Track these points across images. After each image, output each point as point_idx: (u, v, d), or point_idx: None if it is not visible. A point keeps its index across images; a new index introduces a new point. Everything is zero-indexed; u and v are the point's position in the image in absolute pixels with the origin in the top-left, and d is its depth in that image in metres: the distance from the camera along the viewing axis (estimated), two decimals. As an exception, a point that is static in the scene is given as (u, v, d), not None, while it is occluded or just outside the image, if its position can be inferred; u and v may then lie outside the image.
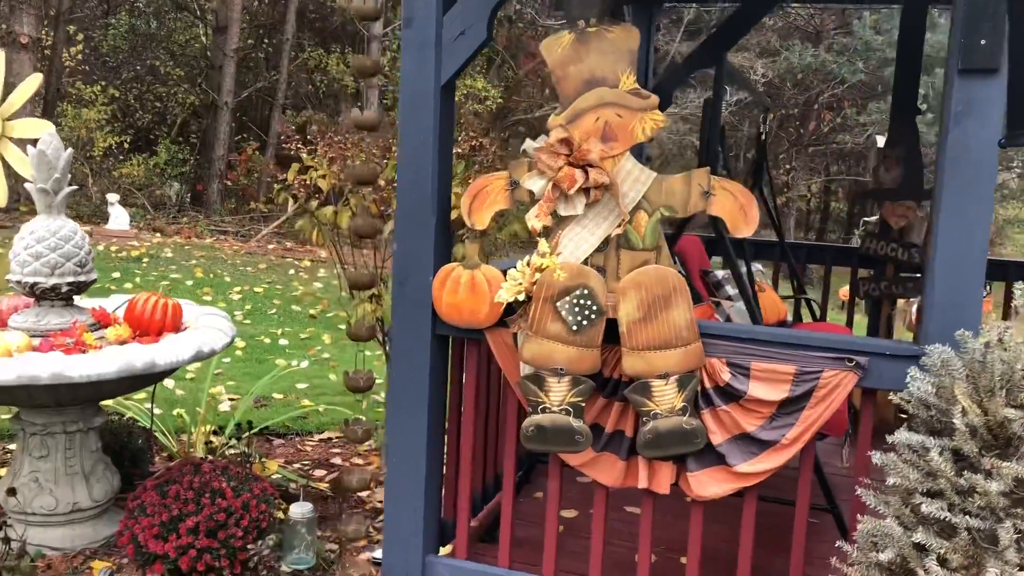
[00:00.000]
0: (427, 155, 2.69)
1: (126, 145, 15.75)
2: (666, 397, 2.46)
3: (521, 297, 2.51)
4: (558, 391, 2.52)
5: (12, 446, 4.60)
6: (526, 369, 2.55)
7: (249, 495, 3.36)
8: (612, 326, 2.49)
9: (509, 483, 2.80)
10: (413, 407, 2.76)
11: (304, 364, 6.69)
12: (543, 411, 2.53)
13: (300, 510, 3.29)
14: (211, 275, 9.88)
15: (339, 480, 2.55)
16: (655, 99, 2.56)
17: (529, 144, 2.62)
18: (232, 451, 4.54)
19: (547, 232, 2.60)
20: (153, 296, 3.64)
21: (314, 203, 4.43)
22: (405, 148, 2.71)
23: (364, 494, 4.28)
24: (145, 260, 10.19)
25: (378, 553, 3.56)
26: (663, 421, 2.46)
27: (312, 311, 8.66)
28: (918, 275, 4.97)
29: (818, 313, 5.15)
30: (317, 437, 5.21)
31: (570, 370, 2.49)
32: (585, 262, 2.55)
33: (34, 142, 4.02)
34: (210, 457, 4.13)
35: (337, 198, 4.43)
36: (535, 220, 2.59)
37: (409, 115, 2.70)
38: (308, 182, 4.42)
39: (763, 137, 4.63)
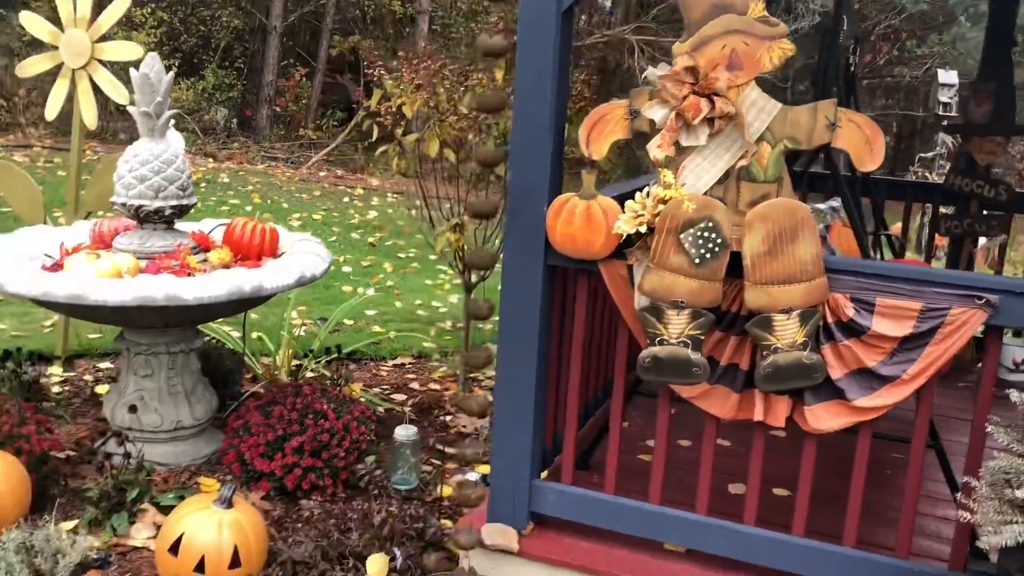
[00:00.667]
0: (545, 83, 2.66)
1: (174, 69, 15.69)
2: (787, 332, 2.46)
3: (643, 229, 2.50)
4: (677, 323, 2.52)
5: (103, 364, 4.72)
6: (643, 301, 2.55)
7: (349, 417, 3.44)
8: (734, 259, 2.48)
9: (617, 412, 2.83)
10: (523, 335, 2.78)
11: (370, 291, 6.76)
12: (660, 343, 2.55)
13: (405, 432, 3.36)
14: (268, 201, 9.94)
15: (461, 403, 2.59)
16: (783, 28, 2.50)
17: (652, 72, 2.58)
18: (311, 374, 4.63)
19: (668, 163, 2.58)
20: (251, 221, 3.67)
21: (399, 131, 4.41)
22: (523, 76, 2.68)
23: (448, 418, 4.36)
24: (203, 185, 10.26)
25: (471, 475, 3.64)
26: (783, 355, 2.46)
27: (371, 239, 8.71)
28: (1003, 213, 4.88)
29: (897, 249, 5.08)
30: (391, 362, 5.29)
31: (690, 303, 2.49)
32: (705, 194, 2.53)
33: (125, 65, 4.04)
34: (293, 380, 4.21)
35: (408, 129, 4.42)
36: (657, 150, 2.56)
37: (528, 41, 2.66)
38: (392, 109, 4.39)
39: (851, 69, 4.51)
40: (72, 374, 4.53)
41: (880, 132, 2.48)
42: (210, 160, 12.48)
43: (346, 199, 10.91)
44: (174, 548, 2.58)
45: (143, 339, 3.46)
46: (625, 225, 2.55)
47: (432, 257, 8.10)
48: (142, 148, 3.43)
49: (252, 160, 13.22)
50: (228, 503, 2.67)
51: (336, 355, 4.76)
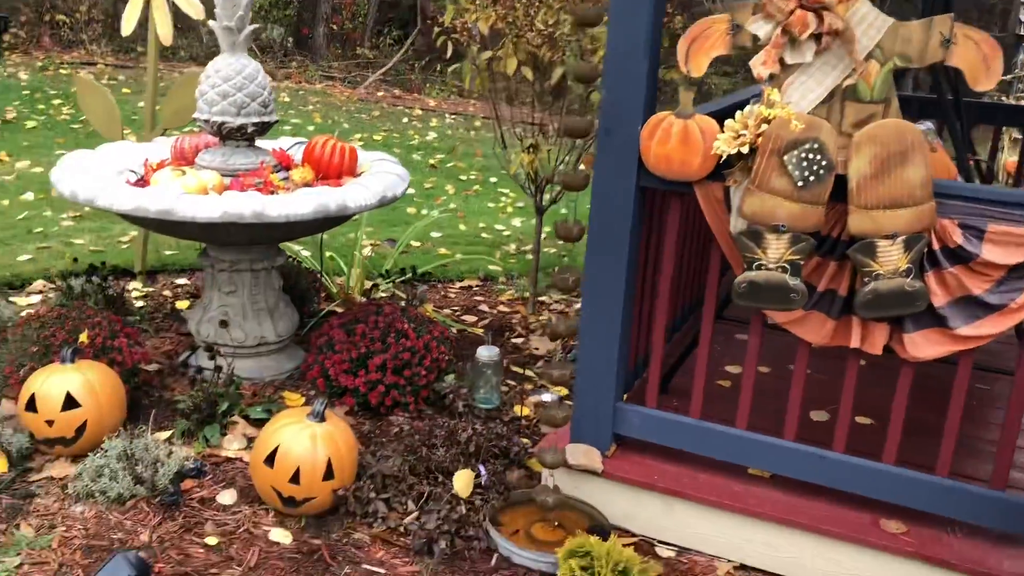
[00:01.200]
0: (642, -3, 2.56)
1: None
2: (891, 258, 2.39)
3: (744, 150, 2.43)
4: (776, 248, 2.47)
5: (180, 280, 4.79)
6: (741, 225, 2.50)
7: (428, 336, 3.46)
8: (838, 182, 2.41)
9: (706, 337, 2.81)
10: (613, 258, 2.75)
11: (434, 213, 6.75)
12: (758, 268, 2.50)
13: (488, 353, 3.38)
14: (328, 121, 9.92)
15: (552, 330, 2.58)
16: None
17: (757, -15, 2.47)
18: (383, 295, 4.66)
19: (771, 80, 2.49)
20: (330, 139, 3.65)
21: (474, 48, 4.32)
22: (619, -11, 2.59)
23: (519, 341, 4.38)
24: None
25: (546, 396, 3.66)
26: (885, 282, 2.40)
27: (432, 161, 8.66)
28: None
29: (986, 174, 4.91)
30: (458, 284, 5.29)
31: (792, 227, 2.43)
32: (809, 114, 2.44)
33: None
34: (368, 299, 4.24)
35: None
36: (761, 67, 2.47)
37: (625, -47, 2.56)
38: (468, 24, 4.30)
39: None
40: (151, 289, 4.62)
41: (999, 50, 2.36)
42: (269, 79, 12.48)
43: (405, 120, 10.84)
44: (269, 459, 2.63)
45: (227, 256, 3.50)
46: (724, 145, 2.48)
47: (493, 180, 8.05)
48: (224, 64, 3.41)
49: (310, 79, 13.17)
50: (321, 417, 2.71)
51: (411, 275, 4.77)
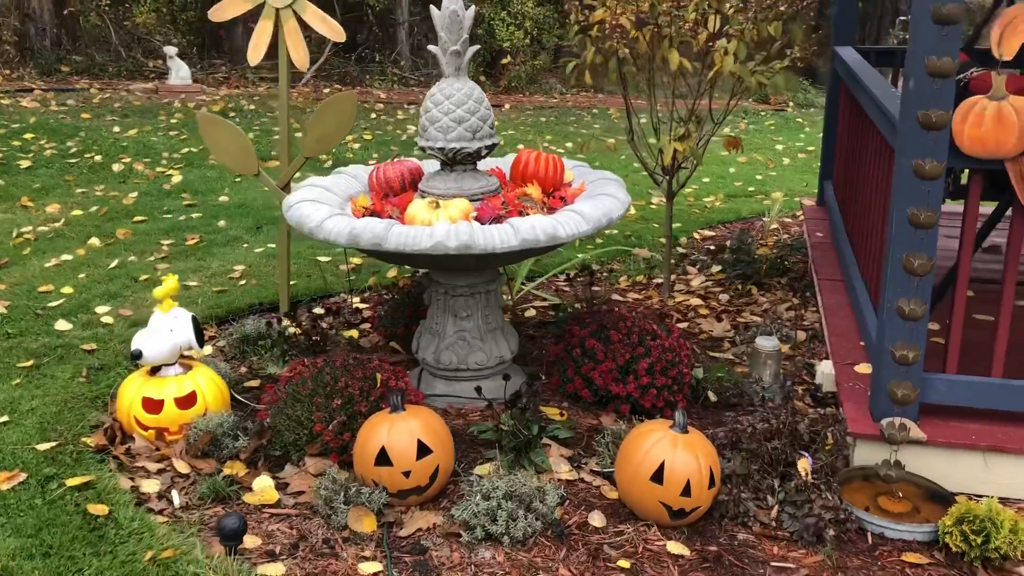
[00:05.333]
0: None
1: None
2: None
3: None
4: (1111, 212, 2.68)
5: (317, 310, 4.66)
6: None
7: (677, 334, 3.55)
8: None
9: (1008, 303, 3.00)
10: (924, 243, 2.90)
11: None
12: (1091, 231, 2.71)
13: (769, 343, 3.49)
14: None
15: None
16: None
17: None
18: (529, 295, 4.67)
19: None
20: (540, 153, 3.65)
21: (614, 43, 4.33)
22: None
23: (684, 325, 4.49)
24: (233, 115, 9.87)
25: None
26: None
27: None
28: None
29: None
30: (562, 278, 5.33)
31: None
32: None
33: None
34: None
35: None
36: (1085, 49, 2.66)
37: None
38: (612, 23, 4.30)
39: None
40: (301, 322, 4.48)
41: None
42: (222, 87, 11.94)
43: (373, 116, 10.64)
44: (656, 477, 2.68)
45: (462, 281, 3.47)
46: (1049, 123, 2.66)
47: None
48: (453, 88, 3.34)
49: (253, 83, 12.70)
50: (684, 428, 2.77)
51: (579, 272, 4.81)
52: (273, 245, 5.56)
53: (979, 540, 2.64)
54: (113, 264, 5.07)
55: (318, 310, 4.66)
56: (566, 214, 3.18)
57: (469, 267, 3.32)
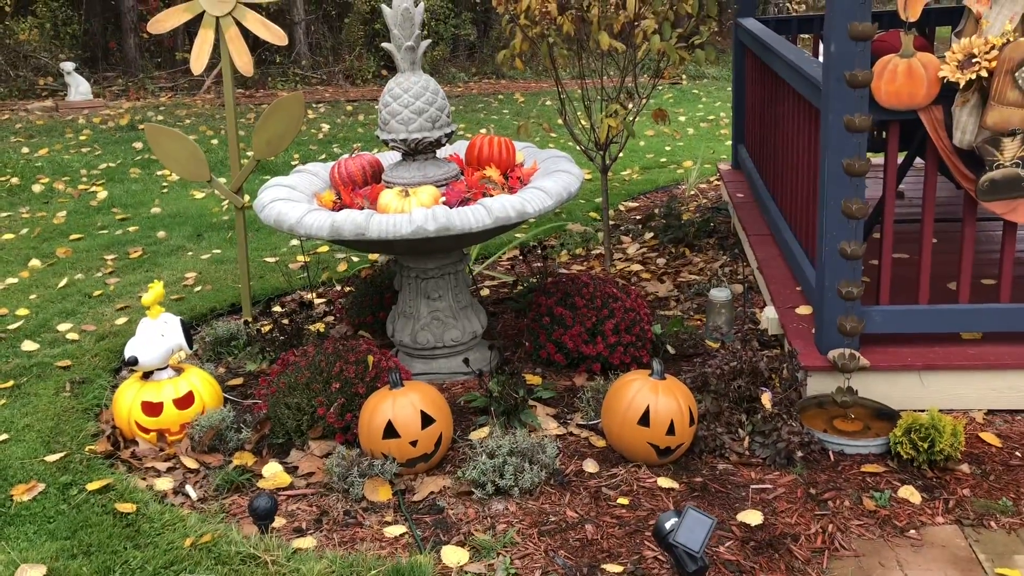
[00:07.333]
0: (863, -38, 3.04)
1: (7, 8, 14.27)
2: (1096, 139, 3.05)
3: (984, 73, 2.99)
4: (1011, 148, 3.07)
5: (275, 308, 4.78)
6: (983, 135, 3.08)
7: (635, 294, 3.83)
8: (1051, 88, 3.02)
9: (928, 242, 3.38)
10: (852, 188, 3.25)
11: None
12: (996, 167, 3.10)
13: (723, 293, 3.79)
14: (221, 131, 9.58)
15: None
16: None
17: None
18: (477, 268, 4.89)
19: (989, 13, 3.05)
20: (492, 137, 3.87)
21: (541, 28, 4.57)
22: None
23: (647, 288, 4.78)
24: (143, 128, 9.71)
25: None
26: (1091, 159, 3.07)
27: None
28: None
29: None
30: (506, 257, 5.58)
31: (1023, 129, 3.04)
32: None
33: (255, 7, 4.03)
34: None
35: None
36: (977, 5, 3.04)
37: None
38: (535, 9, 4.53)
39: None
40: (265, 323, 4.60)
41: None
42: (123, 100, 11.68)
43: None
44: (643, 420, 2.96)
45: (431, 264, 3.67)
46: (949, 74, 3.03)
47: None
48: (410, 82, 3.53)
49: (154, 93, 12.47)
50: (662, 375, 3.06)
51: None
52: (219, 251, 5.63)
53: (925, 446, 3.01)
54: (62, 283, 5.07)
55: (276, 308, 4.78)
56: (531, 191, 3.42)
57: (444, 248, 3.52)
